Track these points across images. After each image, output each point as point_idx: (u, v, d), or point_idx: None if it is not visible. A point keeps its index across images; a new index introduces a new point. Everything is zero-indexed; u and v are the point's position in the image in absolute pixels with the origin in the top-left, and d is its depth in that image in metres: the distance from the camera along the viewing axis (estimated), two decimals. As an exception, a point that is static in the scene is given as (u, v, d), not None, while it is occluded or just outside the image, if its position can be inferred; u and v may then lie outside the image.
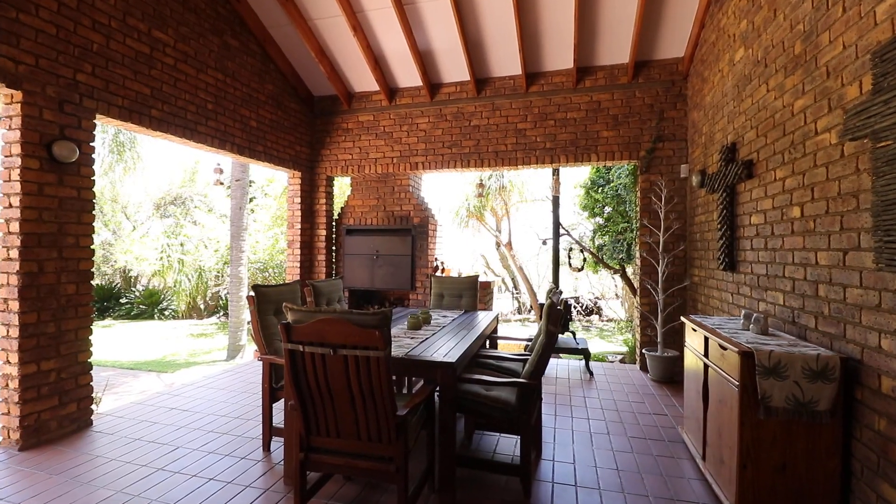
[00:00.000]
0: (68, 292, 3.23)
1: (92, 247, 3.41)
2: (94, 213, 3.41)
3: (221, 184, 6.77)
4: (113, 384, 6.15)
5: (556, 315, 2.49)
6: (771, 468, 2.10)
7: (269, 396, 2.91)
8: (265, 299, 3.05)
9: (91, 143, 3.38)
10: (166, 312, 13.59)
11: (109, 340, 10.13)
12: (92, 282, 3.41)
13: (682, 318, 3.20)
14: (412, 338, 3.01)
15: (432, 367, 2.42)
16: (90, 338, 3.39)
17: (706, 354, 2.66)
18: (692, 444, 2.94)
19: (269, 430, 2.96)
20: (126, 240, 14.31)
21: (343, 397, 1.98)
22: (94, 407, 3.56)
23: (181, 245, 13.30)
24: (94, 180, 3.40)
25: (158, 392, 4.19)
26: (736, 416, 2.17)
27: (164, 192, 15.61)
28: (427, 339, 3.00)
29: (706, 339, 2.66)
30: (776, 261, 2.78)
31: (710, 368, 2.59)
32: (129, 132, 12.06)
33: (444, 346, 2.75)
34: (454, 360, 2.40)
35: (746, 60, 3.30)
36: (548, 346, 2.48)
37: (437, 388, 2.43)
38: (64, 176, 3.19)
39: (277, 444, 3.04)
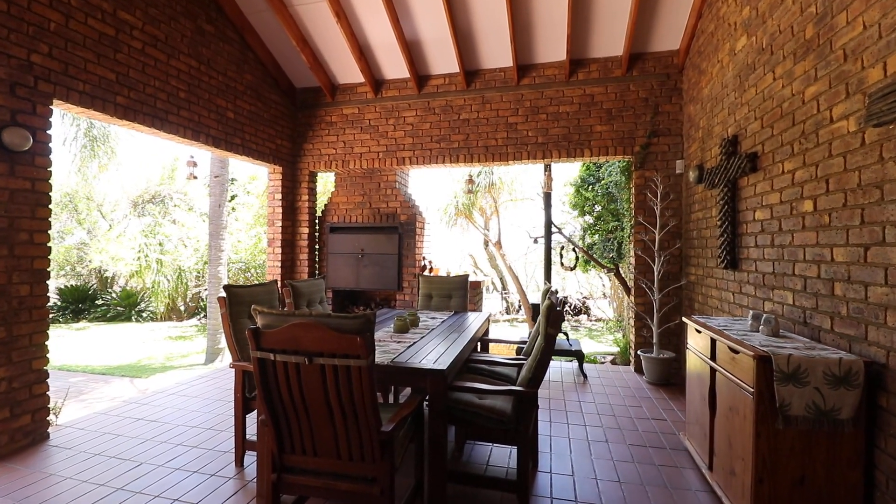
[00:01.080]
0: (21, 294, 2.94)
1: (48, 244, 3.12)
2: (50, 207, 3.12)
3: (195, 177, 6.45)
4: (81, 391, 5.80)
5: (557, 316, 2.30)
6: (789, 481, 1.94)
7: (242, 407, 2.66)
8: (238, 300, 2.80)
9: (47, 131, 3.10)
10: (144, 314, 13.10)
11: (83, 344, 9.67)
12: (48, 282, 3.12)
13: (684, 319, 3.04)
14: (398, 342, 2.79)
15: (421, 375, 2.21)
16: (46, 343, 3.10)
17: (713, 357, 2.49)
18: (696, 453, 2.77)
19: (242, 444, 2.72)
20: (102, 239, 13.76)
21: (320, 412, 1.75)
22: (51, 418, 3.28)
23: (160, 244, 12.81)
24: (50, 171, 3.11)
25: (126, 400, 3.90)
26: (750, 425, 2.00)
27: (142, 190, 15.05)
28: (415, 343, 2.78)
29: (713, 342, 2.49)
30: (784, 258, 2.63)
31: (717, 373, 2.43)
32: (102, 125, 11.58)
33: (434, 352, 2.54)
34: (444, 367, 2.19)
35: (749, 49, 3.15)
36: (547, 350, 2.29)
37: (426, 397, 2.21)
38: (16, 166, 2.91)
39: (251, 458, 2.79)
